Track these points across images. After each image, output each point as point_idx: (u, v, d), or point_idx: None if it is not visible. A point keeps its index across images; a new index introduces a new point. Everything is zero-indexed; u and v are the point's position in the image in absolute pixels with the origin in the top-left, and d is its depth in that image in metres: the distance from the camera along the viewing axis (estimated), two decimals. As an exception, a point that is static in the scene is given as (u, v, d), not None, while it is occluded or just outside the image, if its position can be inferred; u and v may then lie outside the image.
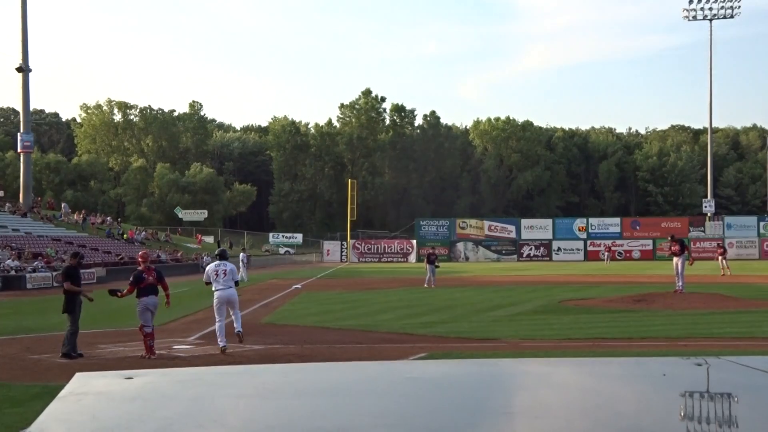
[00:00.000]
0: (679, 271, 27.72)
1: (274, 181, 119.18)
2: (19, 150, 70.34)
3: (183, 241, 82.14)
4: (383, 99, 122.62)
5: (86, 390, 2.46)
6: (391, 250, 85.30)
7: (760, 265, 57.58)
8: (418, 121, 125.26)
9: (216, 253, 16.64)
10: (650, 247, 78.61)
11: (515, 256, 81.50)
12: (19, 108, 71.72)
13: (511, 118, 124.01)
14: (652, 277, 40.54)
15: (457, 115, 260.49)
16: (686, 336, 17.03)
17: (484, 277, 47.55)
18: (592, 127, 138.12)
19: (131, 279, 15.75)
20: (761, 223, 79.56)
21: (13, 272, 42.83)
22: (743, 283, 35.51)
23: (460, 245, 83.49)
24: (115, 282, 33.95)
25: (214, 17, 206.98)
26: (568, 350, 15.19)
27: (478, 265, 70.88)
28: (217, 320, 15.55)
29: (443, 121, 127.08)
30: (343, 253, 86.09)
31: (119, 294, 15.82)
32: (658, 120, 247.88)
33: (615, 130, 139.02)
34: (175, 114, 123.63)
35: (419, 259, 71.17)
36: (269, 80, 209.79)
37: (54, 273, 41.29)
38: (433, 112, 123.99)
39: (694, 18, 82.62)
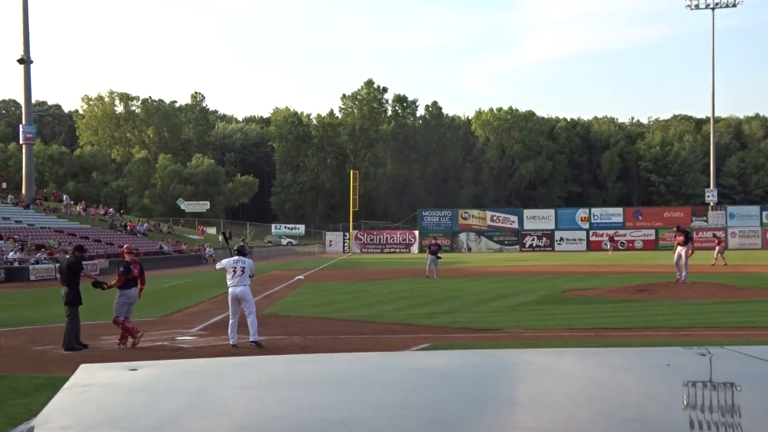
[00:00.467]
0: (684, 261, 27.67)
1: (276, 172, 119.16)
2: (21, 141, 70.37)
3: (185, 232, 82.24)
4: (385, 89, 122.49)
5: (91, 381, 2.47)
6: (393, 240, 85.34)
7: (762, 255, 57.59)
8: (420, 111, 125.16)
9: (235, 248, 16.32)
10: (653, 237, 78.59)
11: (518, 247, 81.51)
12: (21, 100, 71.72)
13: (513, 108, 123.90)
14: (655, 267, 40.54)
15: (459, 106, 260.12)
16: (689, 325, 17.05)
17: (487, 267, 47.58)
18: (595, 117, 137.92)
19: (121, 269, 15.82)
20: (764, 213, 79.54)
21: (16, 264, 42.92)
22: (745, 273, 35.51)
23: (462, 236, 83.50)
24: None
25: (216, 8, 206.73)
26: (570, 340, 15.21)
27: (481, 256, 70.93)
28: (230, 317, 15.24)
29: (445, 111, 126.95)
30: (346, 244, 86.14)
31: (105, 286, 15.80)
32: (660, 110, 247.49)
33: (617, 119, 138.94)
34: (177, 105, 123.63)
35: (422, 250, 71.17)
36: (271, 71, 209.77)
37: (57, 265, 41.37)
38: (435, 103, 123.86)
39: (697, 7, 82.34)
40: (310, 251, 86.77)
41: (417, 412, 2.12)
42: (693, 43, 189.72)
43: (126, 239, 60.94)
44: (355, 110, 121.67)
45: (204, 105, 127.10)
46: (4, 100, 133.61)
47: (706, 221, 79.55)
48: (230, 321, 15.16)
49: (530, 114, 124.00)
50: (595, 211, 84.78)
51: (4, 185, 73.40)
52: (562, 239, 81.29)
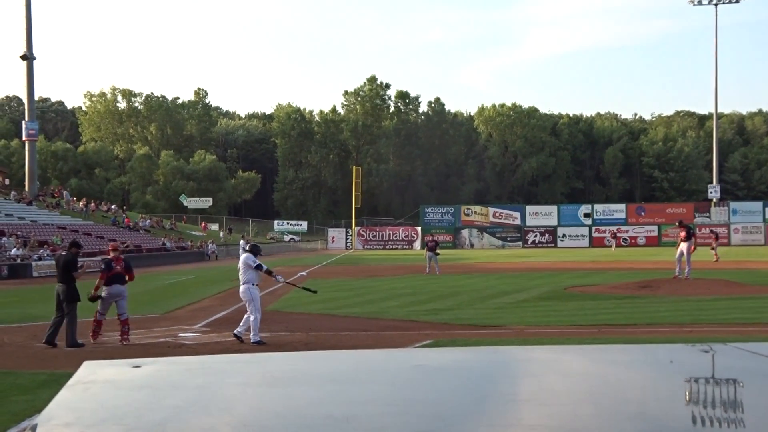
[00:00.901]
0: (686, 257, 27.61)
1: (279, 169, 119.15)
2: (24, 138, 70.38)
3: (188, 228, 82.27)
4: (388, 86, 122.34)
5: (94, 378, 2.48)
6: (395, 237, 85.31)
7: (765, 251, 57.46)
8: (423, 107, 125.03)
9: (248, 248, 16.29)
10: (655, 233, 78.52)
11: (520, 243, 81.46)
12: (24, 96, 71.77)
13: (516, 104, 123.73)
14: (658, 263, 40.48)
15: (462, 102, 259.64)
16: (691, 322, 17.03)
17: (489, 264, 47.56)
18: (598, 113, 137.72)
19: (102, 266, 15.94)
20: (766, 209, 79.40)
21: (18, 260, 42.98)
22: (748, 269, 35.46)
23: (464, 232, 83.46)
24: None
25: (219, 4, 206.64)
26: (573, 337, 15.20)
27: (483, 252, 70.88)
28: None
29: (448, 107, 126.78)
30: (348, 241, 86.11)
31: (93, 292, 15.70)
32: (663, 106, 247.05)
33: (620, 116, 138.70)
34: (180, 102, 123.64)
35: (424, 246, 71.19)
36: (274, 67, 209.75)
37: (53, 261, 41.43)
38: (437, 99, 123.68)
39: (699, 3, 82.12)
40: (312, 248, 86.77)
41: (420, 408, 2.13)
42: (696, 38, 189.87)
43: (129, 236, 61.01)
44: (358, 106, 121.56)
45: (207, 101, 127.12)
46: (7, 97, 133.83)
47: (709, 217, 79.45)
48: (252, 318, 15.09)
49: (533, 110, 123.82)
50: (598, 207, 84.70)
51: (7, 182, 73.47)
52: (564, 235, 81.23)
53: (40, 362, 13.18)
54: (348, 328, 17.27)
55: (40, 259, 43.69)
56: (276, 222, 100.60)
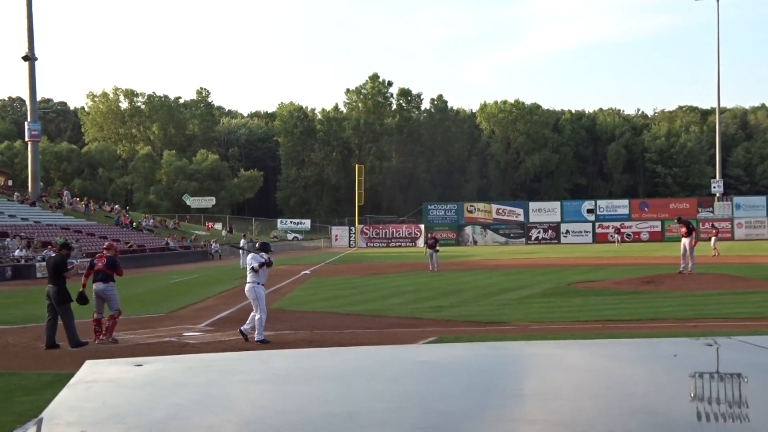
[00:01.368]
0: (688, 252, 27.62)
1: (282, 167, 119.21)
2: (26, 139, 70.43)
3: (192, 228, 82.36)
4: (390, 83, 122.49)
5: (96, 377, 2.47)
6: (399, 234, 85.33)
7: (769, 245, 57.39)
8: (425, 105, 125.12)
9: (257, 246, 16.29)
10: (659, 229, 78.44)
11: (523, 239, 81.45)
12: (26, 97, 71.82)
13: (518, 100, 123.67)
14: (661, 259, 40.46)
15: (464, 99, 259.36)
16: (696, 317, 17.01)
17: (493, 260, 47.52)
18: (600, 109, 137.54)
19: (87, 266, 16.42)
20: (770, 203, 79.30)
21: (22, 261, 43.03)
22: (752, 263, 35.42)
23: (468, 229, 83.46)
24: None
25: (221, 2, 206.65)
26: (577, 333, 15.18)
27: (487, 249, 70.84)
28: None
29: (450, 104, 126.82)
30: (351, 239, 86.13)
31: (81, 289, 15.74)
32: (666, 101, 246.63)
33: (623, 111, 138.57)
34: (182, 101, 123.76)
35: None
36: (276, 66, 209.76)
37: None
38: (440, 96, 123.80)
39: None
40: (316, 246, 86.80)
41: (422, 404, 2.12)
42: (698, 33, 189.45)
43: (132, 236, 61.08)
44: (360, 104, 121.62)
45: (209, 100, 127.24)
46: (9, 98, 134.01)
47: (713, 212, 79.35)
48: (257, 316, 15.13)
49: (535, 106, 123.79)
50: (601, 203, 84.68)
51: (10, 183, 73.56)
52: (568, 231, 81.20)
53: (45, 363, 13.20)
54: (352, 326, 17.28)
55: (43, 259, 43.69)
56: (279, 221, 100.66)
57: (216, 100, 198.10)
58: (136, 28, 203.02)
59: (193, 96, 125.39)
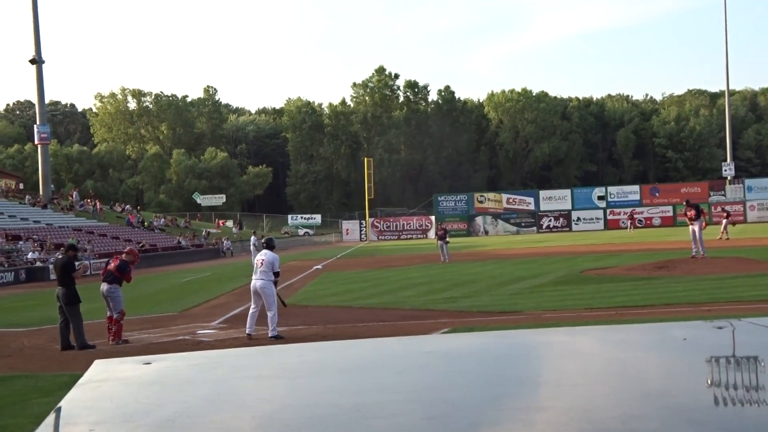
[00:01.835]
0: (698, 236, 27.42)
1: (291, 163, 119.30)
2: (36, 142, 70.65)
3: (203, 226, 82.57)
4: (396, 76, 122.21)
5: (105, 376, 2.48)
6: (410, 227, 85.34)
7: (782, 227, 57.08)
8: (432, 96, 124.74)
9: (263, 241, 16.25)
10: (671, 214, 78.12)
11: (535, 228, 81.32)
12: (35, 100, 72.04)
13: (525, 89, 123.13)
14: (673, 244, 40.29)
15: (472, 89, 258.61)
16: (709, 301, 16.93)
17: (504, 250, 47.45)
18: (608, 95, 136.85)
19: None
20: (782, 185, 78.94)
21: (36, 264, 43.24)
22: (766, 246, 35.21)
23: (479, 219, 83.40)
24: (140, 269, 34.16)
25: (224, 1, 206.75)
26: (590, 320, 15.13)
27: (498, 239, 70.75)
28: (251, 307, 15.22)
29: (457, 95, 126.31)
30: (362, 232, 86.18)
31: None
32: (674, 85, 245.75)
33: (631, 97, 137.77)
34: (189, 100, 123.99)
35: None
36: (282, 62, 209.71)
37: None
38: (447, 87, 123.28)
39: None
40: (327, 241, 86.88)
41: (430, 394, 2.11)
42: (705, 16, 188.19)
43: (143, 235, 61.25)
44: (367, 98, 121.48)
45: (216, 98, 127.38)
46: (18, 101, 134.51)
47: (724, 195, 79.01)
48: (251, 310, 15.19)
49: (543, 94, 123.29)
50: (612, 189, 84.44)
51: (21, 186, 73.85)
52: (579, 219, 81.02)
53: (61, 365, 13.25)
54: (365, 320, 17.27)
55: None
56: (290, 216, 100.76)
57: (223, 97, 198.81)
58: (142, 28, 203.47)
59: (201, 94, 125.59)
